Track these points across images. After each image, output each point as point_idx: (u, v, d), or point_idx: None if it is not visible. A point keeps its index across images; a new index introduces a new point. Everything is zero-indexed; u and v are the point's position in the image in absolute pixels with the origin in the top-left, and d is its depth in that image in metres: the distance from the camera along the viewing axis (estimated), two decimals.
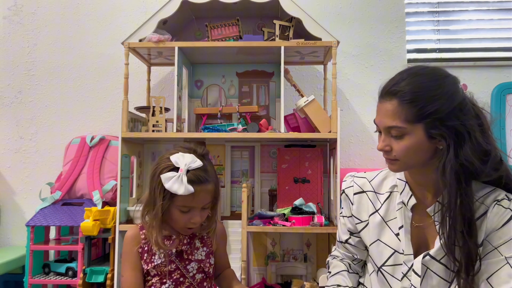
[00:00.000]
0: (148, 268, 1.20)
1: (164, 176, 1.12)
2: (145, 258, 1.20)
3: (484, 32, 2.46)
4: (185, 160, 1.14)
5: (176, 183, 1.11)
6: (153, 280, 1.20)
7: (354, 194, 1.25)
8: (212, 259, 1.26)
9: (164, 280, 1.19)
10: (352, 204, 1.25)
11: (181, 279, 1.20)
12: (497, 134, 2.20)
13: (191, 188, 1.11)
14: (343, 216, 1.30)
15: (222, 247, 1.34)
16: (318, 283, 1.88)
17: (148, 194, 1.19)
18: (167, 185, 1.11)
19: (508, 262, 1.01)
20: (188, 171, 1.13)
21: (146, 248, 1.20)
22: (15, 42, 2.49)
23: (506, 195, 1.06)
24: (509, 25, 2.45)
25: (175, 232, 1.22)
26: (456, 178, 1.01)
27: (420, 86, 1.04)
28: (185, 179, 1.11)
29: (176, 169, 1.13)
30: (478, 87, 2.31)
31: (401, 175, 1.19)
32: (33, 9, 2.50)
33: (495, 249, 1.03)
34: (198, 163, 1.15)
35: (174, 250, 1.20)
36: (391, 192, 1.20)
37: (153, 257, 1.20)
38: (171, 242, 1.20)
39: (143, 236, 1.22)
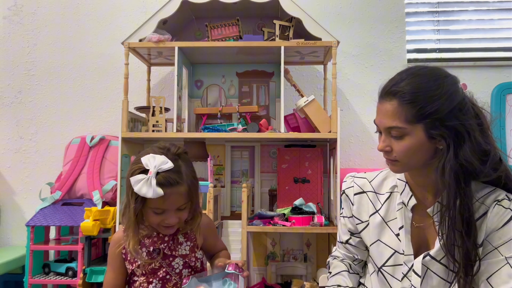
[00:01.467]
0: (133, 268, 1.19)
1: (133, 179, 1.09)
2: (129, 258, 1.20)
3: (484, 32, 2.46)
4: (155, 162, 1.10)
5: (144, 186, 1.08)
6: (140, 280, 1.19)
7: (355, 194, 1.25)
8: (198, 253, 1.24)
9: (151, 279, 1.18)
10: (353, 204, 1.25)
11: (168, 276, 1.19)
12: (497, 134, 2.20)
13: (160, 191, 1.08)
14: (343, 217, 1.30)
15: (212, 238, 1.31)
16: (318, 283, 1.88)
17: (126, 195, 1.18)
18: (136, 188, 1.08)
19: (508, 262, 1.01)
20: (158, 173, 1.09)
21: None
22: (15, 42, 2.49)
23: (506, 195, 1.06)
24: (509, 25, 2.45)
25: (155, 229, 1.20)
26: (456, 178, 1.01)
27: (420, 86, 1.04)
28: (153, 182, 1.08)
29: (146, 171, 1.10)
30: (478, 87, 2.31)
31: (401, 175, 1.19)
32: (33, 9, 2.50)
33: (495, 249, 1.03)
34: (169, 164, 1.11)
35: (151, 248, 1.18)
36: (391, 193, 1.20)
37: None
38: (150, 240, 1.19)
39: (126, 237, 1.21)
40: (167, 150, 1.16)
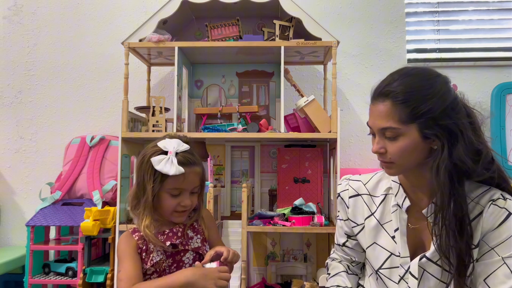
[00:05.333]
0: (147, 267, 1.20)
1: (154, 159, 1.16)
2: (143, 257, 1.21)
3: (484, 32, 2.46)
4: (173, 144, 1.18)
5: (167, 164, 1.15)
6: (152, 278, 1.20)
7: (350, 197, 1.25)
8: (207, 246, 1.27)
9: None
10: (348, 207, 1.25)
11: None
12: (497, 134, 2.19)
13: (181, 168, 1.15)
14: (340, 219, 1.30)
15: (214, 231, 1.33)
16: (318, 283, 1.88)
17: (136, 185, 1.22)
18: (158, 167, 1.14)
19: (505, 263, 1.01)
20: (176, 154, 1.17)
21: (144, 248, 1.20)
22: (15, 42, 2.49)
23: (501, 194, 1.06)
24: (509, 25, 2.45)
25: (168, 227, 1.23)
26: (450, 178, 1.01)
27: (412, 86, 1.04)
28: (175, 160, 1.15)
29: (164, 153, 1.17)
30: (478, 87, 2.30)
31: (395, 177, 1.18)
32: (33, 9, 2.50)
33: (491, 249, 1.03)
34: (185, 146, 1.20)
35: (168, 243, 1.19)
36: (386, 195, 1.20)
37: (151, 255, 1.20)
38: (165, 237, 1.20)
39: (136, 238, 1.21)
40: (178, 136, 1.24)
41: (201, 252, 1.24)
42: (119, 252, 1.24)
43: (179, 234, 1.22)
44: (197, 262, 1.19)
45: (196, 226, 1.27)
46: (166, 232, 1.21)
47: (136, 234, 1.22)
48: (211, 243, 1.31)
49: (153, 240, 1.18)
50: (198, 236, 1.26)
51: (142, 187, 1.19)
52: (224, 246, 1.22)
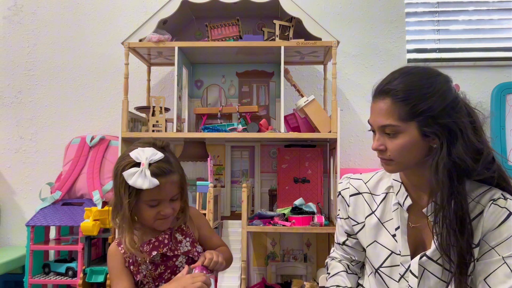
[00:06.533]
0: (138, 279, 1.18)
1: (126, 173, 1.09)
2: (132, 270, 1.18)
3: (484, 32, 2.46)
4: (146, 154, 1.11)
5: (139, 178, 1.08)
6: (147, 287, 1.18)
7: (350, 196, 1.25)
8: (198, 247, 1.23)
9: (157, 284, 1.18)
10: (349, 206, 1.25)
11: (173, 277, 1.18)
12: (497, 134, 2.19)
13: (155, 181, 1.09)
14: (340, 218, 1.30)
15: (205, 228, 1.30)
16: (318, 283, 1.88)
17: (114, 195, 1.16)
18: (130, 181, 1.08)
19: (505, 262, 1.01)
20: (150, 164, 1.10)
21: (131, 261, 1.18)
22: (15, 42, 2.49)
23: (502, 194, 1.06)
24: (509, 25, 2.45)
25: (153, 235, 1.19)
26: (449, 176, 1.01)
27: (412, 84, 1.05)
28: (148, 172, 1.09)
29: (137, 164, 1.10)
30: (478, 87, 2.30)
31: (396, 176, 1.18)
32: (33, 9, 2.50)
33: (492, 249, 1.03)
34: (159, 155, 1.12)
35: (154, 253, 1.16)
36: (387, 193, 1.20)
37: (139, 267, 1.17)
38: (151, 246, 1.17)
39: (122, 251, 1.18)
40: (152, 143, 1.17)
41: (191, 256, 1.20)
42: (109, 269, 1.21)
43: (166, 241, 1.18)
44: (186, 266, 1.16)
45: (184, 228, 1.23)
46: (152, 241, 1.17)
47: (122, 246, 1.18)
48: (204, 241, 1.28)
49: (138, 255, 1.15)
50: (187, 239, 1.22)
51: (119, 200, 1.14)
52: (209, 252, 1.18)
